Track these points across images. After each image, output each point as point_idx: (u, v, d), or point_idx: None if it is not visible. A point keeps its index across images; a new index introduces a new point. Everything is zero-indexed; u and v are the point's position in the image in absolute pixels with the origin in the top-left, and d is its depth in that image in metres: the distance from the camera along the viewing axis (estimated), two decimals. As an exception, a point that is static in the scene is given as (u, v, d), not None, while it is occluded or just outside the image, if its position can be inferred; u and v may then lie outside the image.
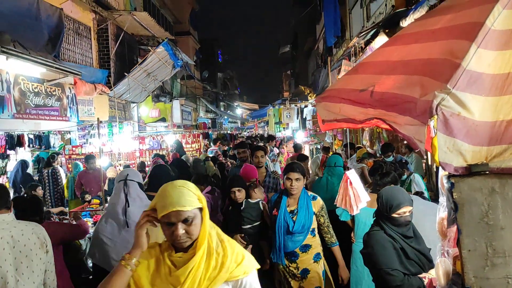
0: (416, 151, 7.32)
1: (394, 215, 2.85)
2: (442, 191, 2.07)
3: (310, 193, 4.13)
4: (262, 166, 5.95)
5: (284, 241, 3.96)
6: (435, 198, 5.40)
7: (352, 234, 4.63)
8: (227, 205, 4.80)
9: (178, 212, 1.83)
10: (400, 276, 2.72)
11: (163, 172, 4.57)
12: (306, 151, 13.59)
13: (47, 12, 8.84)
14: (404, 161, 6.91)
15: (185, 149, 13.50)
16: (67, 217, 7.48)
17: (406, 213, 2.86)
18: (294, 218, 3.95)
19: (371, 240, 2.95)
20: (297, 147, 11.63)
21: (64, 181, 9.63)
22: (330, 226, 4.09)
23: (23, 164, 9.02)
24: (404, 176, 6.61)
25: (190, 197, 1.88)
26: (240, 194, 4.45)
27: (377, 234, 2.92)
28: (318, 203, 4.04)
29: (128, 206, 3.32)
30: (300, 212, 3.94)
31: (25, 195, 7.36)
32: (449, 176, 1.78)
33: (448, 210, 1.90)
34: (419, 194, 4.91)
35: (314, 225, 4.04)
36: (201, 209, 1.92)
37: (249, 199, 4.50)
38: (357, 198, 3.57)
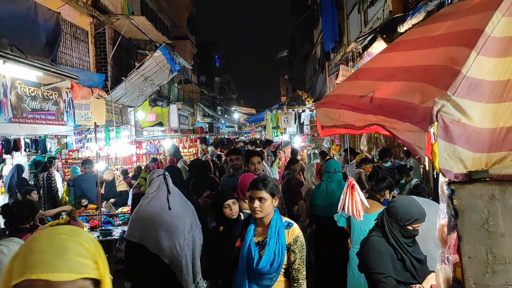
0: (416, 157, 7.30)
1: (409, 227, 2.86)
2: (442, 197, 2.07)
3: (285, 219, 3.07)
4: (260, 174, 5.18)
5: (248, 284, 2.95)
6: (433, 204, 5.42)
7: (349, 240, 4.63)
8: (215, 227, 3.90)
9: (48, 282, 1.01)
10: (390, 284, 2.72)
11: (176, 171, 5.07)
12: (304, 157, 13.59)
13: (44, 16, 8.83)
14: (409, 166, 6.90)
15: (182, 154, 13.45)
16: (62, 220, 7.45)
17: (417, 228, 2.88)
18: (261, 252, 2.92)
19: (368, 244, 2.95)
20: (294, 152, 11.62)
21: (60, 185, 9.58)
22: (302, 269, 2.91)
23: (19, 168, 8.96)
24: (402, 181, 6.61)
25: (79, 257, 1.06)
26: (235, 207, 3.74)
27: (375, 240, 2.92)
28: (292, 232, 2.95)
29: (170, 193, 3.93)
30: (269, 245, 2.90)
31: (19, 200, 7.34)
32: (449, 183, 1.78)
33: (448, 217, 1.89)
34: (420, 185, 4.82)
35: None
36: (97, 283, 1.11)
37: (244, 211, 3.74)
38: (362, 204, 3.56)
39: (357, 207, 3.55)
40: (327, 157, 9.12)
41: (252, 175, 4.37)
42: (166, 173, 4.11)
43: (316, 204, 5.47)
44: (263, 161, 5.92)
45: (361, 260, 3.03)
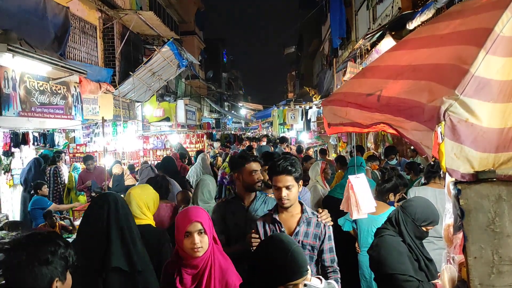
0: (423, 156, 7.18)
1: (423, 228, 2.86)
2: (449, 197, 2.06)
3: None
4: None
5: None
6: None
7: (356, 245, 4.50)
8: None
9: None
10: (416, 283, 2.70)
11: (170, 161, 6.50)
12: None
13: (53, 11, 8.87)
14: (422, 166, 6.71)
15: (188, 149, 13.51)
16: (68, 216, 7.52)
17: (429, 230, 2.90)
18: None
19: (384, 244, 2.88)
20: (299, 149, 11.60)
21: (67, 179, 9.68)
22: None
23: (37, 162, 9.02)
24: (407, 176, 6.54)
25: None
26: None
27: (392, 239, 2.87)
28: None
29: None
30: None
31: (31, 192, 7.42)
32: (456, 183, 1.77)
33: (454, 217, 1.88)
34: (436, 164, 4.59)
35: None
36: None
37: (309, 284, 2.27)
38: (357, 203, 3.46)
39: (350, 205, 3.45)
40: (334, 155, 9.07)
41: (194, 211, 2.45)
42: (152, 165, 5.43)
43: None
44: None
45: (376, 261, 2.95)
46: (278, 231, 2.87)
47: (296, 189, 2.92)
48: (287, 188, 2.87)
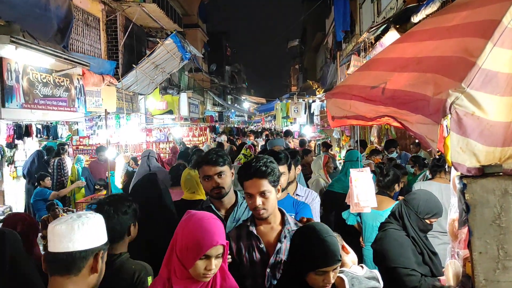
0: (428, 150, 7.11)
1: (427, 221, 2.85)
2: (454, 192, 2.04)
3: None
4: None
5: None
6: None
7: (360, 239, 4.46)
8: None
9: None
10: (418, 277, 2.70)
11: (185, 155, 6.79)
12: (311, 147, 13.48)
13: (56, 3, 8.85)
14: (427, 161, 6.68)
15: (191, 142, 13.50)
16: (71, 208, 7.54)
17: (433, 223, 2.88)
18: None
19: (388, 237, 2.88)
20: (302, 143, 11.56)
21: (70, 172, 9.70)
22: None
23: (39, 154, 9.03)
24: (411, 169, 6.50)
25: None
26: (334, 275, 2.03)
27: (395, 233, 2.87)
28: None
29: (150, 169, 5.30)
30: None
31: (35, 184, 7.44)
32: (462, 177, 1.75)
33: (459, 211, 1.86)
34: (442, 157, 4.61)
35: None
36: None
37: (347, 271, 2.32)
38: (355, 197, 3.41)
39: (351, 198, 3.41)
40: (337, 149, 9.02)
41: (216, 228, 1.94)
42: (150, 154, 5.76)
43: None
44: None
45: (379, 254, 2.96)
46: (256, 248, 2.36)
47: (274, 195, 2.35)
48: (262, 195, 2.29)
